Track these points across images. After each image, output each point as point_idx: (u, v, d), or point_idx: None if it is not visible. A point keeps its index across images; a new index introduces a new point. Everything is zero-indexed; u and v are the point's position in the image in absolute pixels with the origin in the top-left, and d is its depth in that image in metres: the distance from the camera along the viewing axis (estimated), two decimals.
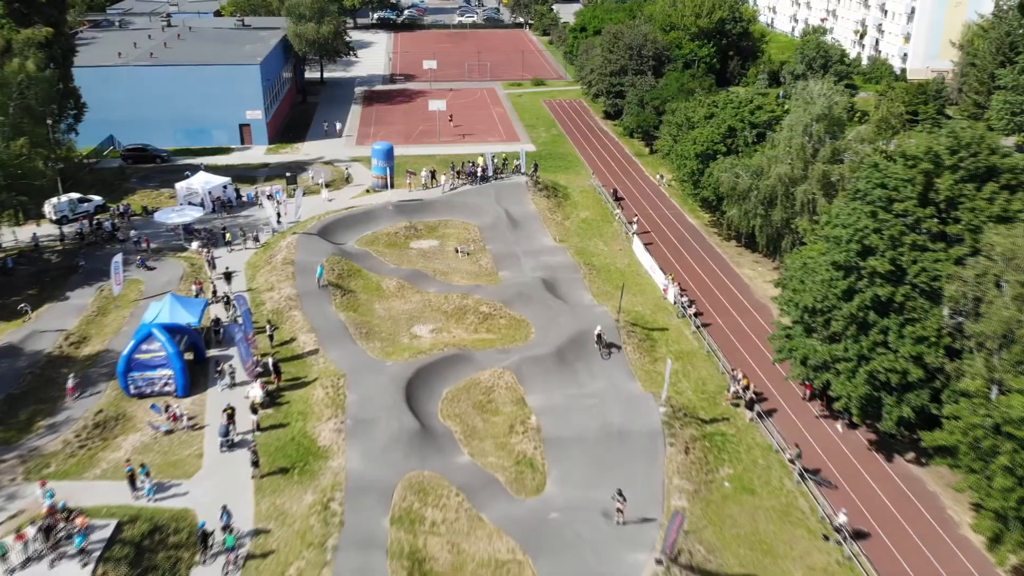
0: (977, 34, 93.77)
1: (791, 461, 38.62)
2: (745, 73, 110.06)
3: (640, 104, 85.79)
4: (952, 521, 36.45)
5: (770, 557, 33.97)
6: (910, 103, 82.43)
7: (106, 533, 32.50)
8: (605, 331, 47.84)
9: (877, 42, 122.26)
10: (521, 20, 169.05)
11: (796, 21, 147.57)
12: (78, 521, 32.23)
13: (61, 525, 32.30)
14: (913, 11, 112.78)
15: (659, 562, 31.72)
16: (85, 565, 31.03)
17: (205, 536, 32.99)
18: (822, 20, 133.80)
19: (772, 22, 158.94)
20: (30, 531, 31.56)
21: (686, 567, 32.12)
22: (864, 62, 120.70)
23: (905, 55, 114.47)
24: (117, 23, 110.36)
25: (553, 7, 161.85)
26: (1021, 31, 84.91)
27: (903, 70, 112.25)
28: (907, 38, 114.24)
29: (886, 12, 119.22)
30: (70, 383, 43.41)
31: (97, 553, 31.50)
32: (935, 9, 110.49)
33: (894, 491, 38.06)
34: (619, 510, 34.46)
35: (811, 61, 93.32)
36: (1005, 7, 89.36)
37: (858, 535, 35.16)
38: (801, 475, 38.03)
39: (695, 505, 36.17)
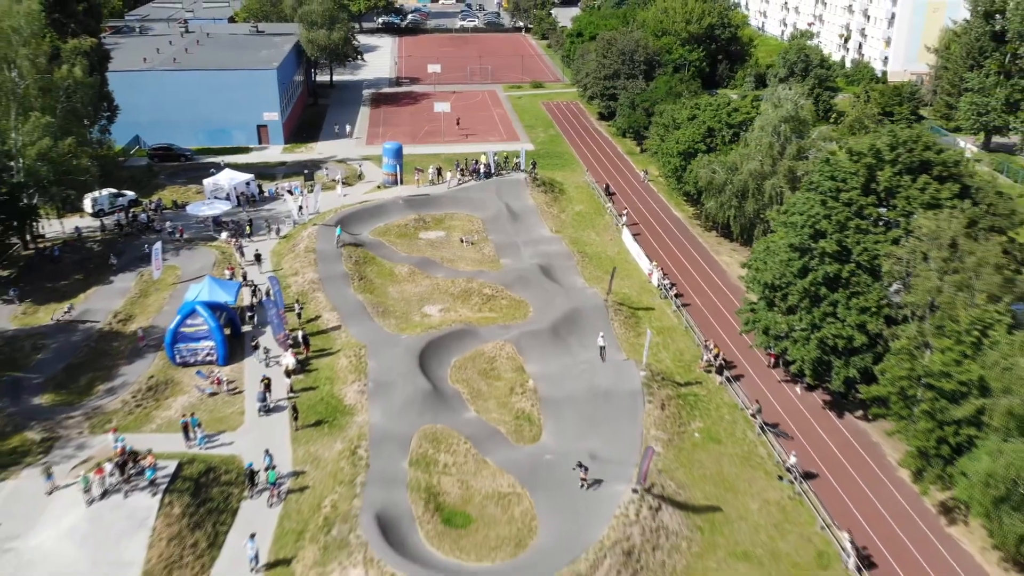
0: (952, 39, 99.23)
1: (752, 416, 44.59)
2: (733, 76, 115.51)
3: (631, 106, 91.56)
4: (890, 466, 42.33)
5: (731, 493, 39.91)
6: (886, 104, 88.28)
7: (170, 470, 38.42)
8: (603, 333, 52.11)
9: (860, 46, 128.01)
10: (521, 25, 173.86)
11: (785, 25, 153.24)
12: (147, 460, 38.20)
13: (131, 464, 38.26)
14: (893, 16, 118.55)
15: (635, 491, 37.62)
16: (154, 495, 36.94)
17: (252, 474, 39.03)
18: (809, 25, 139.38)
19: (763, 26, 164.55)
20: (107, 467, 37.50)
21: (658, 496, 38.07)
22: (848, 65, 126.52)
23: (886, 58, 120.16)
24: (137, 29, 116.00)
25: (552, 12, 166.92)
26: (988, 37, 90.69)
27: (884, 73, 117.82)
28: (888, 42, 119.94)
29: (869, 17, 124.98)
30: (140, 333, 51.51)
31: (164, 485, 37.42)
32: (914, 15, 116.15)
33: (842, 441, 44.03)
34: (582, 478, 38.95)
35: (793, 65, 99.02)
36: (976, 13, 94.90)
37: (808, 476, 41.08)
38: (761, 428, 43.99)
39: (668, 451, 42.13)
